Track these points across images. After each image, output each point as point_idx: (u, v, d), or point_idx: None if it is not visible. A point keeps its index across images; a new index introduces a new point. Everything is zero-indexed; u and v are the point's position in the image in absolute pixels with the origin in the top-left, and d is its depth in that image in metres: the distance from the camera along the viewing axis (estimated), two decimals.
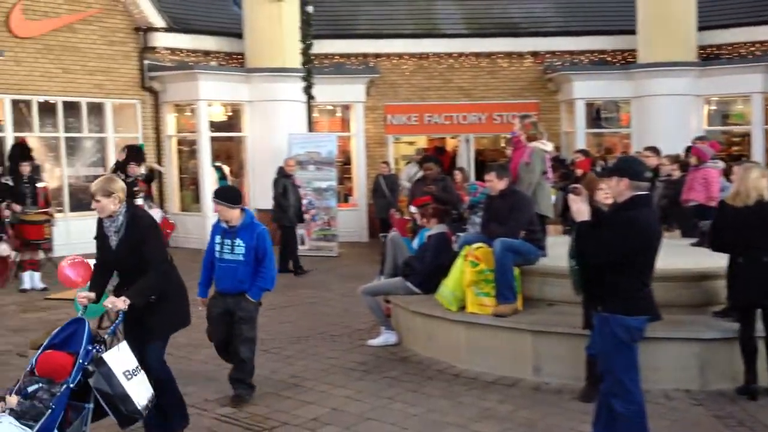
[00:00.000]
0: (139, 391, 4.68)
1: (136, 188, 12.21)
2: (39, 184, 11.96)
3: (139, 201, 12.16)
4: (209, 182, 16.03)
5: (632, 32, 17.27)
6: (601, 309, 4.72)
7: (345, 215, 16.45)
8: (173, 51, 16.67)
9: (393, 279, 8.50)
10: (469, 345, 7.31)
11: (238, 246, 6.12)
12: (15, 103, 14.74)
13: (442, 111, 18.07)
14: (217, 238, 6.23)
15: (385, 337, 8.18)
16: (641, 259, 4.62)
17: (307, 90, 16.18)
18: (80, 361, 4.51)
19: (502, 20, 18.56)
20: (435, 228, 8.41)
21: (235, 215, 6.14)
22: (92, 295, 5.10)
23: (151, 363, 5.15)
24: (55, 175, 15.34)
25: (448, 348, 7.49)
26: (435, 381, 6.93)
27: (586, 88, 17.30)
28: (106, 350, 4.67)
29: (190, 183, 17.13)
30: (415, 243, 8.89)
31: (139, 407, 4.62)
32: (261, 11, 16.25)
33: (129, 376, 4.63)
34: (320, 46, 16.90)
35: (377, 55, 17.86)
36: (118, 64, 16.00)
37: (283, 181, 13.03)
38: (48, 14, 15.02)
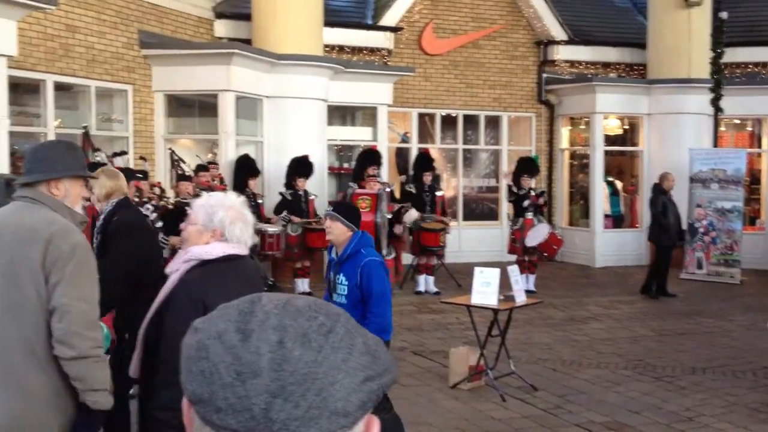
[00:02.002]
0: None
1: (527, 202, 12.16)
2: (437, 193, 12.54)
3: (529, 215, 12.17)
4: (599, 197, 15.59)
5: None
6: None
7: (750, 239, 14.86)
8: (572, 63, 16.51)
9: None
10: None
11: (340, 284, 4.66)
12: (421, 116, 15.74)
13: None
14: (331, 272, 4.85)
15: None
16: None
17: (715, 102, 14.95)
18: None
19: None
20: None
21: (341, 240, 4.63)
22: None
23: None
24: (451, 185, 16.07)
25: None
26: None
27: None
28: None
29: (579, 197, 16.84)
30: None
31: None
32: (667, 19, 15.37)
33: None
34: (732, 55, 15.49)
35: None
36: (518, 78, 16.29)
37: (662, 198, 12.21)
38: (456, 32, 15.79)
